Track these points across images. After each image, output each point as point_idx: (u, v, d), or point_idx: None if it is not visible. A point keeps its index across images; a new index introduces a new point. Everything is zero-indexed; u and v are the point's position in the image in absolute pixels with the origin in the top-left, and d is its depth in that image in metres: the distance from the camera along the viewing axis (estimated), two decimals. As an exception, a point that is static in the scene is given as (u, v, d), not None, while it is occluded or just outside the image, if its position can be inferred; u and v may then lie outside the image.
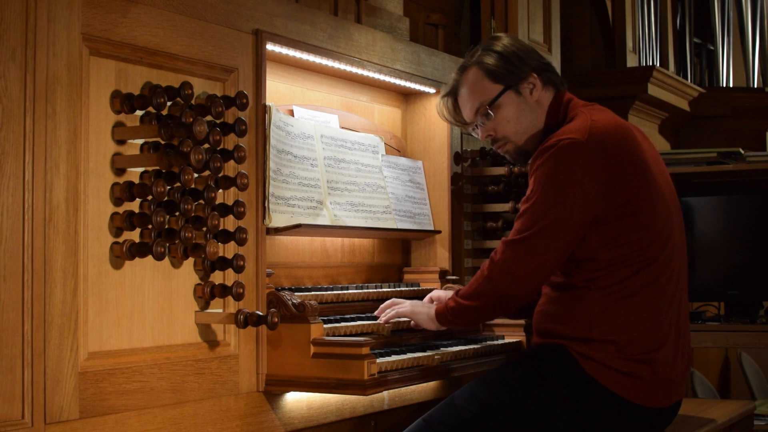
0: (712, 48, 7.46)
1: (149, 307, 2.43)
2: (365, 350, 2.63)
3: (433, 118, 3.69)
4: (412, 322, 2.98)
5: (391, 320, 2.97)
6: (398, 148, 3.64)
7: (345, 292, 3.12)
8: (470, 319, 2.85)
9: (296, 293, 2.86)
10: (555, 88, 2.84)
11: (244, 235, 2.54)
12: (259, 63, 2.74)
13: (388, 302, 3.03)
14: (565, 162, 2.60)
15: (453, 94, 2.93)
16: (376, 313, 3.04)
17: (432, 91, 3.66)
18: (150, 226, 2.35)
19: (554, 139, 2.64)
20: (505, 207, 3.72)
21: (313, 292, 2.99)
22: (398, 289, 3.34)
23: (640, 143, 2.71)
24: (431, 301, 3.06)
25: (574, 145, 2.60)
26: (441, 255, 3.62)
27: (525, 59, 2.81)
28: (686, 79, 6.88)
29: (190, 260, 2.53)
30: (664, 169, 2.83)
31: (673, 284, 2.70)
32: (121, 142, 2.37)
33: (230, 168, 2.59)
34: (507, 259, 2.65)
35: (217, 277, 2.59)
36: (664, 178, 2.79)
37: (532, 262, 2.63)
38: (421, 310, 2.93)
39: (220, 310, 2.61)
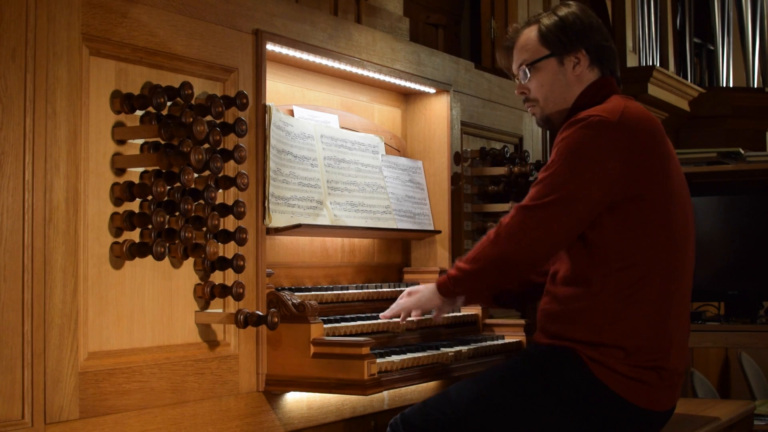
0: (712, 48, 7.46)
1: (149, 307, 2.43)
2: (365, 350, 2.63)
3: (433, 118, 3.69)
4: (425, 313, 2.96)
5: (410, 319, 2.99)
6: (398, 148, 3.65)
7: (345, 292, 3.12)
8: (471, 285, 2.79)
9: (296, 293, 2.86)
10: (602, 72, 2.81)
11: (244, 235, 2.54)
12: (259, 63, 2.74)
13: (395, 308, 3.02)
14: (591, 138, 2.58)
15: (511, 43, 2.93)
16: (383, 315, 3.01)
17: (432, 91, 3.66)
18: (150, 226, 2.35)
19: (584, 114, 2.63)
20: (505, 207, 3.72)
21: (313, 292, 2.99)
22: (398, 289, 3.34)
23: (667, 142, 2.71)
24: (408, 294, 3.07)
25: (604, 123, 2.59)
26: (441, 255, 3.62)
27: (582, 33, 2.78)
28: (686, 79, 6.88)
29: (190, 260, 2.53)
30: (682, 174, 2.81)
31: (683, 290, 2.69)
32: (121, 142, 2.37)
33: (230, 168, 2.59)
34: (515, 224, 2.63)
35: (217, 277, 2.59)
36: (682, 183, 2.77)
37: (540, 232, 2.60)
38: (423, 293, 2.91)
39: (220, 310, 2.61)
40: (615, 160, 2.57)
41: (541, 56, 2.80)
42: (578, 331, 2.61)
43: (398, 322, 3.01)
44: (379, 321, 2.99)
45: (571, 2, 2.89)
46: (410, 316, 3.00)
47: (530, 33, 2.84)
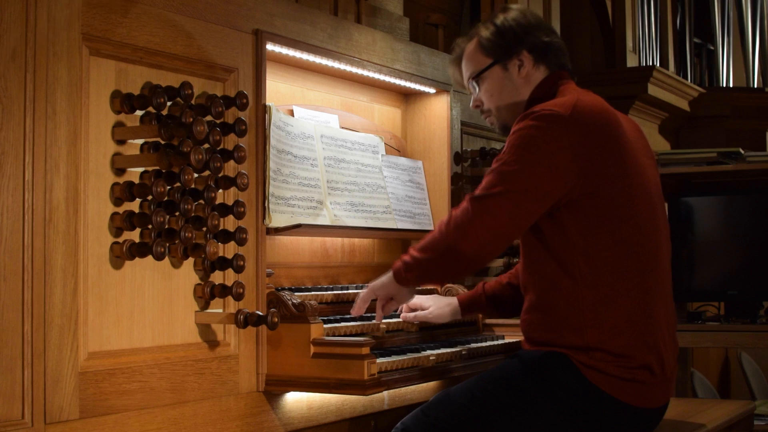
0: (712, 48, 7.46)
1: (149, 307, 2.43)
2: (365, 350, 2.63)
3: (433, 118, 3.69)
4: (380, 300, 2.90)
5: (364, 313, 2.95)
6: (398, 148, 3.65)
7: (345, 292, 3.12)
8: (422, 273, 2.74)
9: (296, 293, 2.86)
10: (550, 68, 2.81)
11: (244, 235, 2.54)
12: (259, 63, 2.74)
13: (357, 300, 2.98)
14: (543, 131, 2.56)
15: (459, 60, 2.95)
16: (352, 312, 2.96)
17: (432, 91, 3.66)
18: (150, 226, 2.35)
19: (537, 108, 2.61)
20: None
21: (313, 292, 2.99)
22: (398, 289, 3.34)
23: (624, 133, 2.66)
24: (409, 310, 3.12)
25: (555, 116, 2.56)
26: (441, 255, 3.61)
27: (521, 35, 2.80)
28: (686, 79, 6.88)
29: (190, 260, 2.53)
30: (653, 164, 2.79)
31: (661, 284, 2.68)
32: (121, 142, 2.37)
33: (230, 168, 2.59)
34: (464, 214, 2.60)
35: (217, 277, 2.59)
36: (652, 173, 2.74)
37: (487, 222, 2.56)
38: (379, 280, 2.87)
39: (220, 310, 2.61)
40: (567, 154, 2.54)
41: (484, 66, 2.83)
42: (564, 337, 2.60)
43: (408, 322, 3.08)
44: (354, 315, 2.98)
45: (511, 6, 2.92)
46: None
47: (471, 46, 2.88)
